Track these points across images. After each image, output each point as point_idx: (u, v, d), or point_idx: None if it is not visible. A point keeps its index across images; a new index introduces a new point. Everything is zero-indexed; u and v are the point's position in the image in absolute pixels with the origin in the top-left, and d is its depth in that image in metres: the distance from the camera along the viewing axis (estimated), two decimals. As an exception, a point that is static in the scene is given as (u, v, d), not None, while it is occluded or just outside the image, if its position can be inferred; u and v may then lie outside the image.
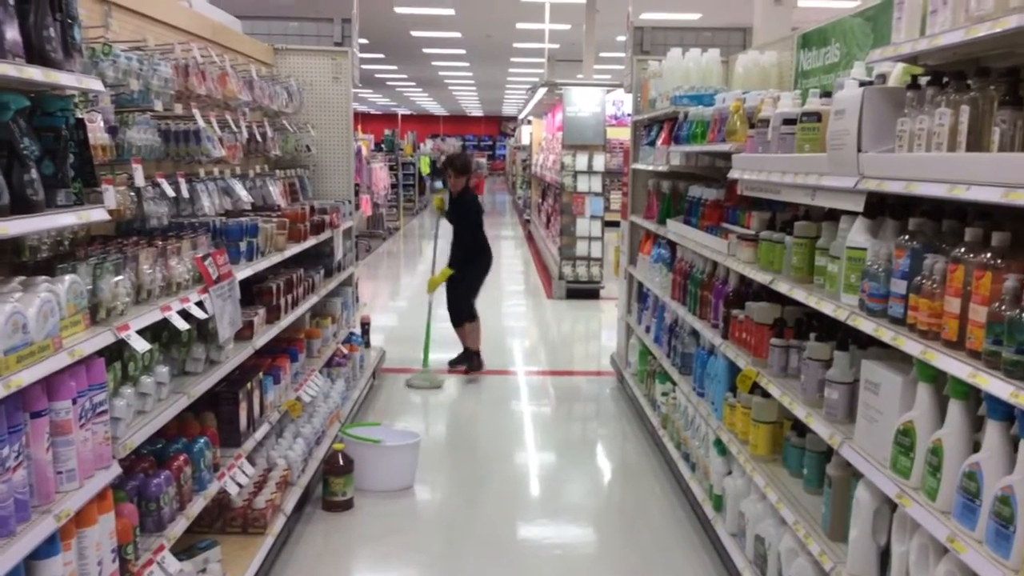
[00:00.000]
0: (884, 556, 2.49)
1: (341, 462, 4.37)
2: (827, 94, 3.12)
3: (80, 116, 2.48)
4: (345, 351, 5.84)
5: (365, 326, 6.79)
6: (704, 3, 13.44)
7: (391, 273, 13.63)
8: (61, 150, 2.31)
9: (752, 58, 4.83)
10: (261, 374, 4.01)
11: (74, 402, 2.32)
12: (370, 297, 9.70)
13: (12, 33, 2.08)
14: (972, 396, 2.07)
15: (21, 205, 2.09)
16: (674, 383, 4.93)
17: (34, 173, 2.15)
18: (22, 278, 2.36)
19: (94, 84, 2.44)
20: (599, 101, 10.72)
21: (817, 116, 2.97)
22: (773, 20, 6.06)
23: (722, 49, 5.54)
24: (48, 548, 2.21)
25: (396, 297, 11.47)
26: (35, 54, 2.16)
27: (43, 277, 2.38)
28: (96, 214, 2.43)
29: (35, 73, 2.13)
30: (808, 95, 3.34)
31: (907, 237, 2.38)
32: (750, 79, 4.72)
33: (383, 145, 21.49)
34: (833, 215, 2.98)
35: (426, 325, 6.98)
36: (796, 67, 4.53)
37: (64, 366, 2.25)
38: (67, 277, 2.39)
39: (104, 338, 2.47)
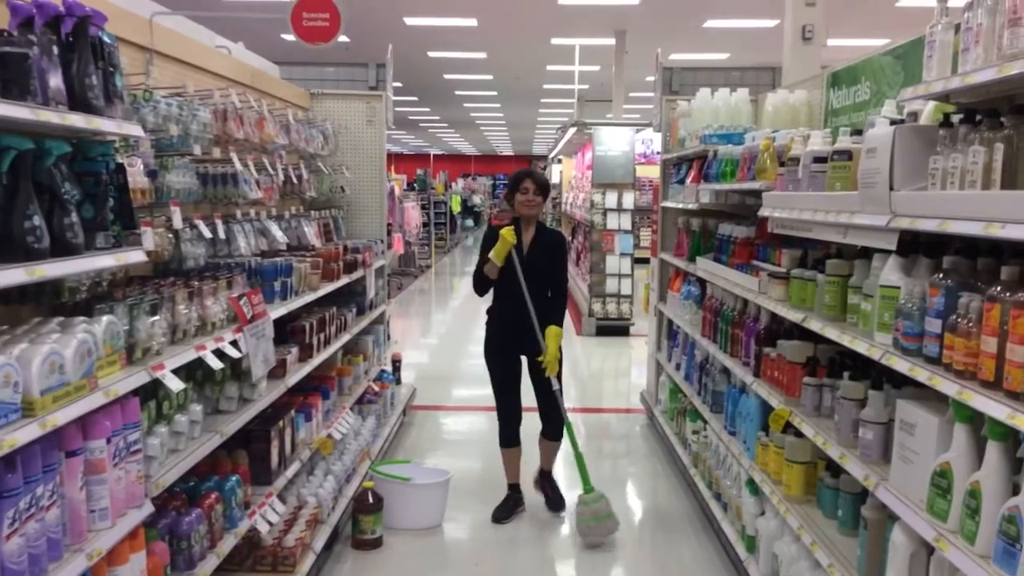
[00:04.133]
0: (923, 602, 2.43)
1: (371, 500, 4.37)
2: (857, 132, 3.11)
3: (120, 161, 2.55)
4: (376, 388, 5.87)
5: (396, 363, 6.82)
6: (732, 44, 13.55)
7: (422, 311, 13.70)
8: (101, 194, 2.37)
9: (781, 97, 4.84)
10: (293, 412, 4.04)
11: (108, 441, 2.35)
12: (401, 334, 9.75)
13: (56, 81, 2.15)
14: (1011, 437, 2.03)
15: (61, 248, 2.15)
16: (705, 421, 4.87)
17: (74, 216, 2.20)
18: (60, 319, 2.41)
19: (134, 130, 2.51)
20: (628, 140, 10.79)
21: (848, 154, 2.96)
22: (802, 59, 6.07)
23: (751, 88, 5.56)
24: (80, 586, 2.23)
25: (427, 335, 11.51)
26: (78, 101, 2.23)
27: (81, 318, 2.43)
28: (134, 256, 2.49)
29: (77, 120, 2.20)
30: (839, 133, 3.33)
31: (941, 275, 2.35)
32: (779, 118, 4.72)
33: (415, 184, 21.74)
34: (865, 253, 2.96)
35: (572, 441, 4.75)
36: (826, 105, 4.52)
37: (99, 406, 2.29)
38: (104, 318, 2.44)
39: (139, 378, 2.51)
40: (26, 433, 1.93)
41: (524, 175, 4.82)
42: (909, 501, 2.40)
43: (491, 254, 4.59)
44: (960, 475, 2.17)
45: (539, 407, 4.84)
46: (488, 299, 4.84)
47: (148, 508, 2.54)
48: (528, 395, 4.81)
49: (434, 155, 34.28)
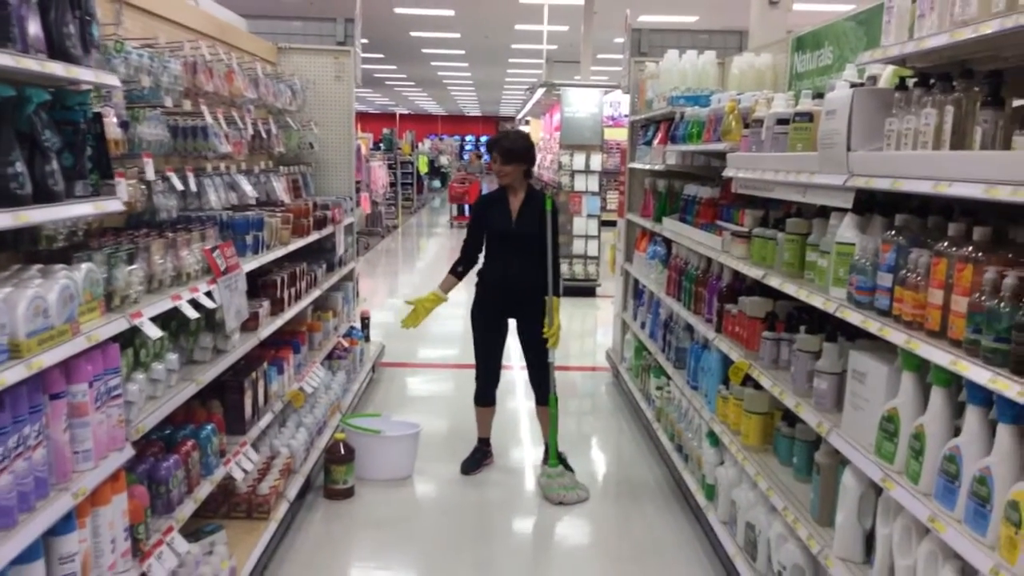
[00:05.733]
0: (869, 539, 2.58)
1: (342, 451, 4.46)
2: (819, 95, 3.22)
3: (97, 111, 2.56)
4: (346, 344, 5.93)
5: (365, 320, 6.88)
6: (700, 6, 13.56)
7: (389, 270, 13.72)
8: (79, 143, 2.39)
9: (747, 60, 4.93)
10: (265, 364, 4.10)
11: (90, 385, 2.40)
12: (369, 293, 9.78)
13: (35, 29, 2.16)
14: (953, 383, 2.17)
15: (42, 195, 2.18)
16: (668, 377, 5.02)
17: (55, 164, 2.23)
18: (40, 266, 2.44)
19: (111, 79, 2.52)
20: (597, 102, 10.83)
21: (809, 116, 3.07)
22: (768, 23, 6.14)
23: (718, 51, 5.65)
24: (65, 525, 2.29)
25: (394, 294, 11.54)
26: (56, 50, 2.25)
27: (60, 265, 2.46)
28: (112, 205, 2.52)
29: (57, 68, 2.21)
30: (801, 96, 3.43)
31: (894, 232, 2.48)
32: (745, 81, 4.81)
33: (381, 144, 21.57)
34: (824, 212, 3.07)
35: (552, 413, 4.76)
36: (790, 69, 4.62)
37: (81, 350, 2.34)
38: (84, 265, 2.48)
39: (119, 324, 2.56)
40: (13, 374, 1.98)
41: (491, 144, 4.79)
42: (859, 445, 2.55)
43: (408, 315, 4.81)
44: (906, 419, 2.31)
45: (529, 373, 4.91)
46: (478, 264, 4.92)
47: (129, 451, 2.60)
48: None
49: (400, 115, 33.97)
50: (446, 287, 4.82)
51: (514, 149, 4.70)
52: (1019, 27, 1.86)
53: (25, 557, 2.10)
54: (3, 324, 2.00)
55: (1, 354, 2.00)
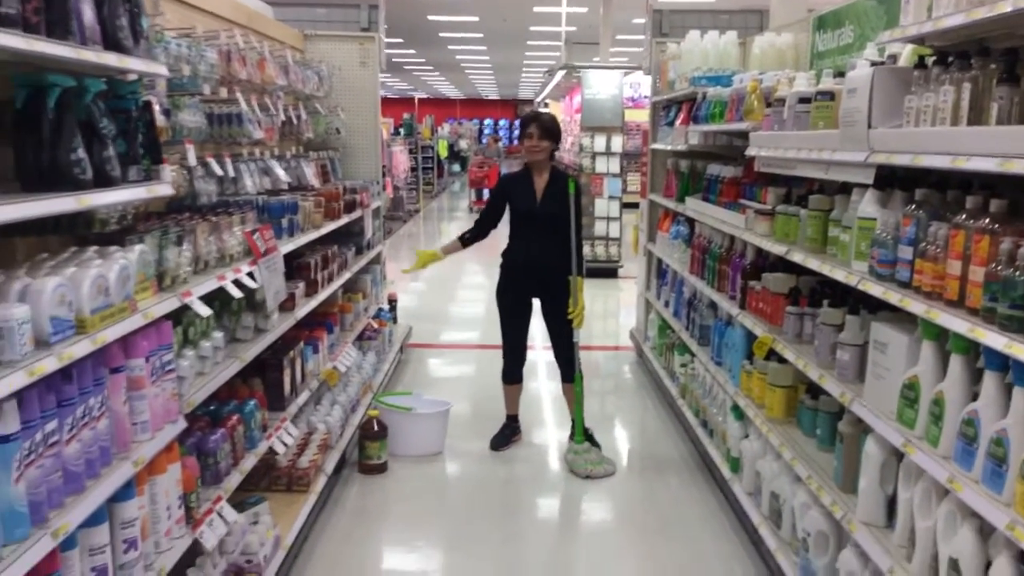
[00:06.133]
0: (891, 503, 2.68)
1: (376, 428, 4.60)
2: (840, 74, 3.29)
3: (147, 99, 2.69)
4: (375, 326, 6.07)
5: (392, 303, 7.02)
6: (721, -15, 13.53)
7: (412, 255, 13.83)
8: (132, 130, 2.52)
9: (769, 40, 4.99)
10: (302, 344, 4.23)
11: (147, 360, 2.54)
12: (392, 277, 9.92)
13: (91, 21, 2.28)
14: (972, 351, 2.25)
15: (101, 179, 2.30)
16: (692, 354, 5.12)
17: (111, 150, 2.35)
18: (96, 248, 2.58)
19: (160, 69, 2.65)
20: (617, 83, 10.88)
21: (831, 95, 3.14)
22: (789, 2, 6.18)
23: (739, 31, 5.69)
24: (125, 492, 2.43)
25: (417, 278, 11.68)
26: (110, 41, 2.37)
27: (115, 247, 2.59)
28: (163, 189, 2.65)
29: (111, 59, 2.33)
30: (822, 75, 3.51)
31: (914, 207, 2.55)
32: (767, 60, 4.87)
33: (401, 129, 21.70)
34: (845, 189, 3.15)
35: (577, 391, 4.88)
36: (812, 48, 4.68)
37: (139, 327, 2.47)
38: (137, 247, 2.61)
39: (171, 303, 2.69)
40: (80, 348, 2.12)
41: (530, 119, 4.87)
42: (881, 413, 2.64)
43: (415, 263, 5.06)
44: (926, 386, 2.40)
45: (555, 352, 5.01)
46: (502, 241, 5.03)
47: (182, 423, 2.75)
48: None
49: (419, 99, 34.07)
50: (447, 250, 5.05)
51: (550, 126, 4.82)
52: (1035, 6, 1.93)
53: (92, 520, 2.25)
54: (70, 301, 2.13)
55: (69, 330, 2.14)
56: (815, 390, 3.36)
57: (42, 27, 2.01)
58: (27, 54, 1.93)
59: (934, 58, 2.51)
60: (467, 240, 4.98)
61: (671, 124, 6.05)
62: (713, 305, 4.75)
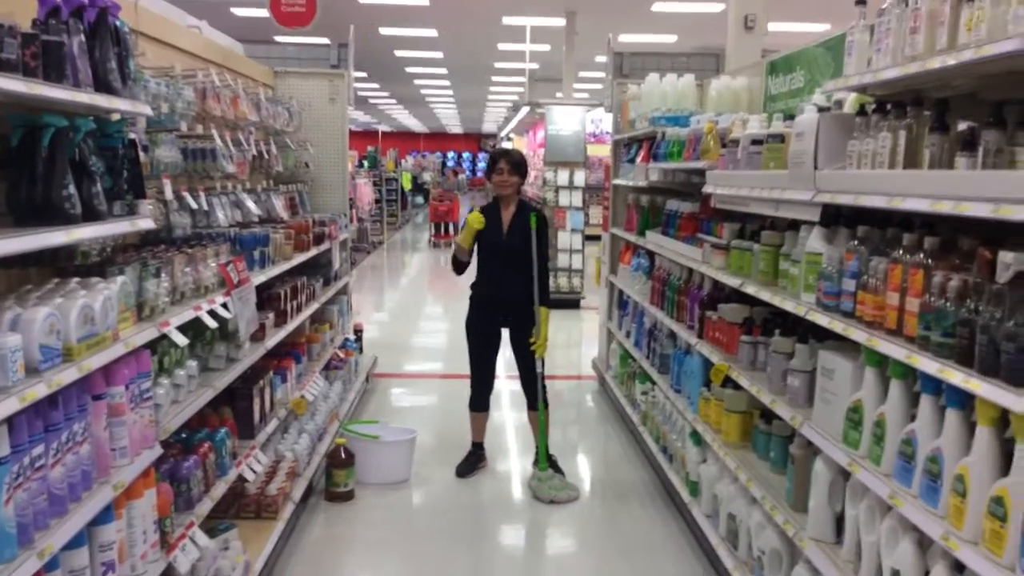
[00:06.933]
0: (839, 521, 2.84)
1: (343, 456, 4.68)
2: (790, 117, 3.50)
3: (132, 136, 2.79)
4: (342, 355, 6.15)
5: (358, 333, 7.09)
6: (679, 26, 13.96)
7: (376, 286, 13.92)
8: (118, 167, 2.63)
9: (724, 83, 5.22)
10: (271, 373, 4.31)
11: (127, 388, 2.62)
12: (358, 307, 10.00)
13: (84, 65, 2.39)
14: (910, 376, 2.42)
15: (89, 214, 2.41)
16: (653, 382, 5.28)
17: (99, 186, 2.46)
18: (78, 279, 2.66)
19: (144, 109, 2.77)
20: (579, 119, 11.15)
21: (781, 137, 3.34)
22: (744, 47, 6.47)
23: (697, 73, 5.93)
24: (105, 515, 2.50)
25: (381, 308, 11.77)
26: (100, 83, 2.48)
27: (96, 278, 2.68)
28: (145, 223, 2.75)
29: (101, 100, 2.45)
30: (773, 118, 3.72)
31: (856, 242, 2.74)
32: (723, 102, 5.10)
33: (365, 161, 21.82)
34: (795, 225, 3.34)
35: (540, 413, 5.03)
36: (765, 91, 4.92)
37: (120, 355, 2.55)
38: (118, 278, 2.70)
39: (150, 332, 2.78)
40: (68, 375, 2.20)
41: (500, 155, 5.05)
42: (828, 435, 2.80)
43: (458, 238, 4.91)
44: (869, 409, 2.57)
45: (521, 380, 5.15)
46: (471, 275, 5.14)
47: (158, 450, 2.82)
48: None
49: (383, 132, 34.24)
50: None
51: (520, 162, 5.03)
52: (959, 63, 2.13)
53: (73, 543, 2.31)
54: (59, 330, 2.22)
55: (56, 357, 2.22)
56: (769, 415, 3.52)
57: (39, 71, 2.12)
58: (27, 97, 2.04)
59: (874, 106, 2.72)
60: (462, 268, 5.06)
61: (632, 161, 6.26)
62: (673, 335, 4.92)
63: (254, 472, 3.85)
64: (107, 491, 2.47)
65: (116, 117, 2.76)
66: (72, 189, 2.30)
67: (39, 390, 2.07)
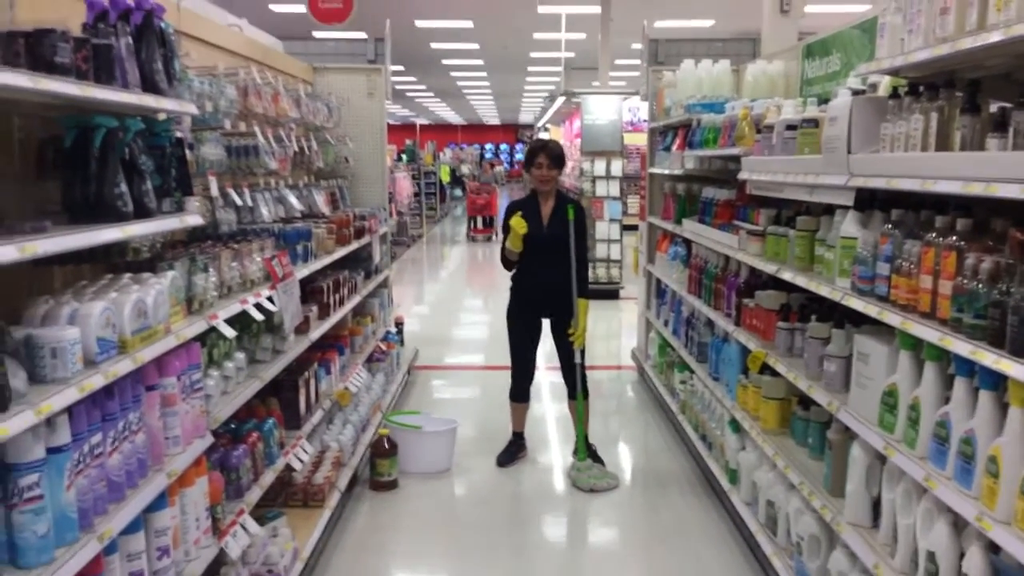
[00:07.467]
0: (876, 505, 2.85)
1: (387, 446, 4.78)
2: (825, 101, 3.49)
3: (179, 135, 2.90)
4: (383, 348, 6.26)
5: (399, 326, 7.20)
6: (716, 10, 13.82)
7: (415, 279, 14.06)
8: (166, 165, 2.73)
9: (760, 67, 5.21)
10: (315, 365, 4.42)
11: (178, 379, 2.73)
12: (398, 300, 10.12)
13: (132, 67, 2.49)
14: (943, 358, 2.43)
15: (140, 211, 2.50)
16: (691, 371, 5.29)
17: (149, 184, 2.56)
18: (130, 275, 2.77)
19: (190, 108, 2.86)
20: (616, 108, 11.12)
21: (815, 122, 3.34)
22: (780, 30, 6.42)
23: (732, 58, 5.92)
24: (160, 502, 2.61)
25: (421, 302, 11.89)
26: (148, 84, 2.58)
27: (148, 274, 2.79)
28: (193, 219, 2.85)
29: (149, 100, 2.54)
30: (808, 103, 3.71)
31: (890, 226, 2.75)
32: (759, 87, 5.09)
33: (404, 155, 21.98)
34: (830, 210, 3.34)
35: (579, 409, 5.10)
36: (801, 75, 4.89)
37: (172, 347, 2.66)
38: (169, 273, 2.81)
39: (200, 325, 2.88)
40: (123, 366, 2.31)
41: (539, 148, 5.03)
42: (864, 420, 2.81)
43: (507, 243, 4.93)
44: (904, 393, 2.58)
45: (562, 370, 5.19)
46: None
47: (209, 439, 2.93)
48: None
49: (421, 125, 34.43)
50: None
51: (560, 155, 5.03)
52: (989, 43, 2.13)
53: (131, 528, 2.42)
54: (114, 324, 2.32)
55: (112, 349, 2.33)
56: (807, 402, 3.53)
57: (90, 73, 2.22)
58: (79, 99, 2.14)
59: (907, 89, 2.72)
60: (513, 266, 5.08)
61: (668, 149, 6.26)
62: (710, 323, 4.93)
63: (301, 461, 3.95)
64: (161, 478, 2.58)
65: (163, 116, 2.86)
66: (123, 187, 2.40)
67: (96, 381, 2.17)
